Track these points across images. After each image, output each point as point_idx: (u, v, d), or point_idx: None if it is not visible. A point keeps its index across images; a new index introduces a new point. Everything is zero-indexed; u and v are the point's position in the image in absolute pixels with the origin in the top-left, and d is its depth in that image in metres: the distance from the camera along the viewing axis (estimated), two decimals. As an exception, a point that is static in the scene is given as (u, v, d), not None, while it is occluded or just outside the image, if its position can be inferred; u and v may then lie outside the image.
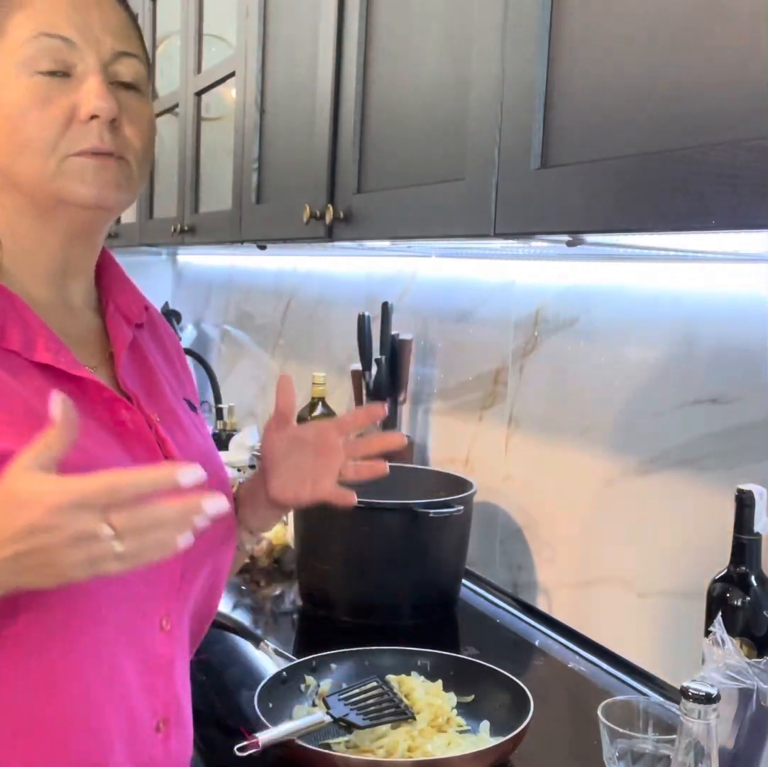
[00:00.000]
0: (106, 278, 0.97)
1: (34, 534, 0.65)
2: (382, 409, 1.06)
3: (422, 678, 1.22)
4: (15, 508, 0.65)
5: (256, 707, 1.08)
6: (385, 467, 1.05)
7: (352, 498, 1.02)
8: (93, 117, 0.83)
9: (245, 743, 0.99)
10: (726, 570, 1.06)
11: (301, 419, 2.13)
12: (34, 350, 0.82)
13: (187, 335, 3.22)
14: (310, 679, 1.20)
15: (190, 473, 0.65)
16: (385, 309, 1.86)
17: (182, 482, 0.65)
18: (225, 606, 1.53)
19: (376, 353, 1.87)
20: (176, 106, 2.24)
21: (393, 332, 1.86)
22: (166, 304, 3.30)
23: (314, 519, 1.54)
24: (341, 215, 1.28)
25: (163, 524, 0.66)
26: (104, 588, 0.80)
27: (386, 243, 1.50)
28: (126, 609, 0.83)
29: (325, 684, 1.20)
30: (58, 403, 0.67)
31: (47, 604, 0.77)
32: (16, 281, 0.86)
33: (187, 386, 1.05)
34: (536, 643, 1.47)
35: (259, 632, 1.43)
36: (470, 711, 1.17)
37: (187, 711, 0.93)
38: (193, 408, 1.02)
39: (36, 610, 0.77)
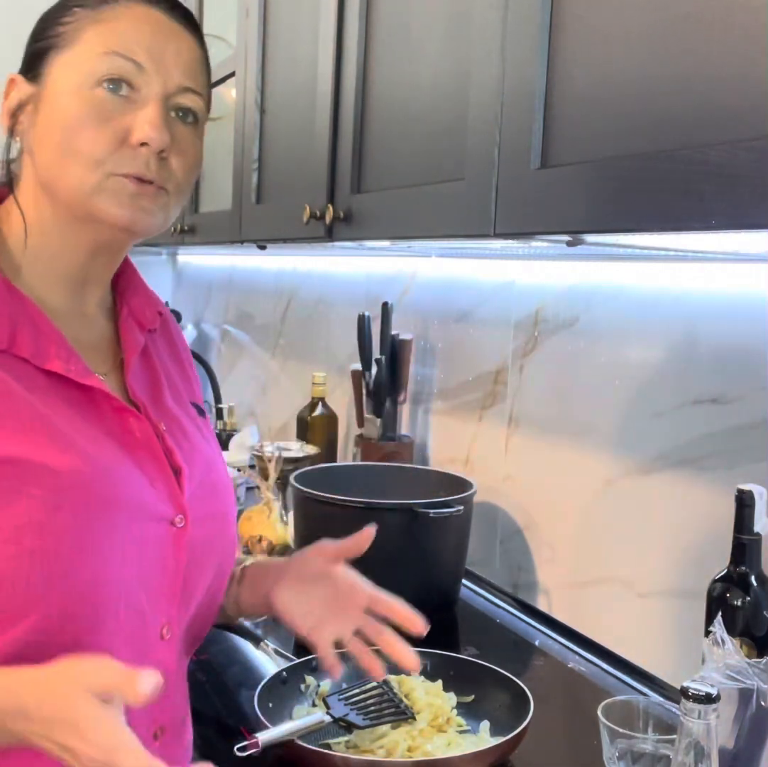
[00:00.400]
0: (123, 282, 0.97)
1: (67, 753, 0.69)
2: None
3: (422, 678, 1.22)
4: (68, 732, 0.69)
5: (256, 707, 1.08)
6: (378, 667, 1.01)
7: (338, 671, 1.01)
8: (143, 144, 0.84)
9: (245, 743, 0.99)
10: (726, 570, 1.06)
11: (300, 419, 2.13)
12: (44, 357, 0.82)
13: (187, 335, 3.22)
14: (310, 679, 1.20)
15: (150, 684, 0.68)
16: (385, 309, 1.86)
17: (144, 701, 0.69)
18: (225, 606, 1.53)
19: (376, 353, 1.87)
20: (176, 106, 2.23)
21: (393, 332, 1.86)
22: (166, 304, 3.30)
23: (314, 519, 1.54)
24: (341, 215, 1.28)
25: None
26: (106, 599, 0.81)
27: (386, 243, 1.50)
28: (127, 619, 0.83)
29: (325, 684, 1.20)
30: (151, 681, 0.69)
31: (49, 614, 0.77)
32: (32, 286, 0.86)
33: (196, 391, 1.06)
34: (536, 643, 1.46)
35: (259, 632, 1.43)
36: (470, 711, 1.17)
37: (185, 716, 0.93)
38: (201, 412, 1.02)
39: (37, 618, 0.77)
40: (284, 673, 1.18)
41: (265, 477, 1.81)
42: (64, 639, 0.78)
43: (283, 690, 1.16)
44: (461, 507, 1.47)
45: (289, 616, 1.00)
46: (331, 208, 1.30)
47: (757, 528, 1.03)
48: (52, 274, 0.88)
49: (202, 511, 0.90)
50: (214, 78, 1.97)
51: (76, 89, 0.84)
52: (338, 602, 1.01)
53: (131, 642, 0.83)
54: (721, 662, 0.90)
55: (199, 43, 0.90)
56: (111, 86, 0.83)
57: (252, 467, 2.01)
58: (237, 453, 2.20)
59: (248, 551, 1.73)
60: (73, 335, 0.86)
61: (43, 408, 0.79)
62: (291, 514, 1.65)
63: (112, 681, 0.70)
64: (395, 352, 1.86)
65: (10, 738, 0.73)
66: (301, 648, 1.39)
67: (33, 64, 0.87)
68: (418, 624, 0.98)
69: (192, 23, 0.90)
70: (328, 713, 1.09)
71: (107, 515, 0.80)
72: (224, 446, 2.27)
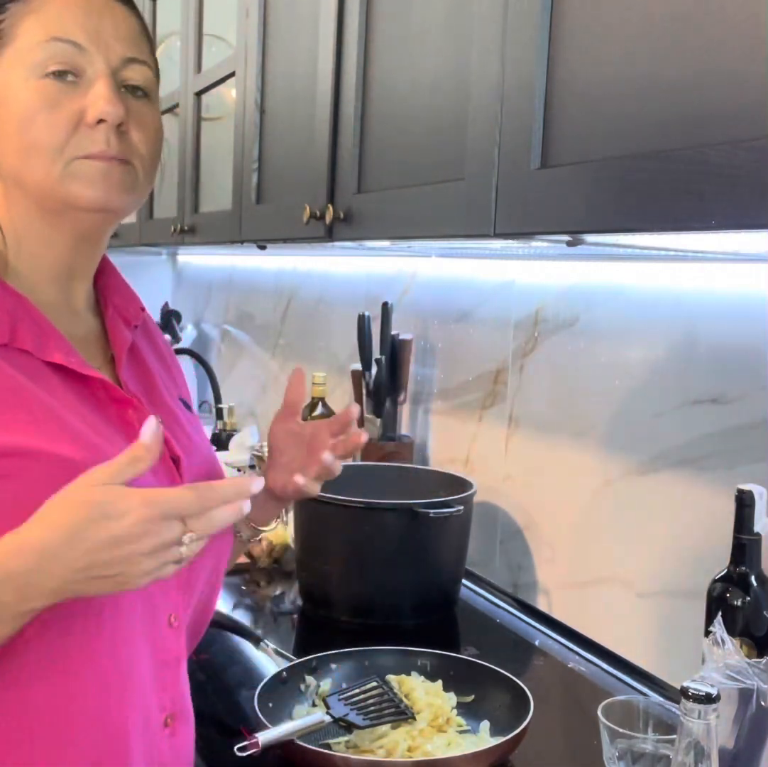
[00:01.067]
0: (102, 280, 0.98)
1: (118, 545, 0.68)
2: (354, 408, 1.06)
3: (422, 678, 1.22)
4: (101, 519, 0.68)
5: (256, 707, 1.08)
6: (360, 437, 1.05)
7: (315, 491, 1.05)
8: (100, 121, 0.84)
9: (245, 743, 0.99)
10: (726, 570, 1.06)
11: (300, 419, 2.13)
12: (46, 350, 0.83)
13: (187, 335, 3.22)
14: (310, 679, 1.20)
15: (259, 483, 0.73)
16: (385, 309, 1.86)
17: (254, 492, 0.72)
18: (225, 606, 1.53)
19: (376, 353, 1.87)
20: (176, 106, 2.24)
21: (393, 332, 1.86)
22: (166, 304, 3.30)
23: (314, 519, 1.54)
24: (341, 215, 1.28)
25: (222, 524, 0.71)
26: None
27: (386, 243, 1.50)
28: (141, 606, 0.84)
29: (325, 684, 1.20)
30: (152, 425, 0.72)
31: (65, 603, 0.77)
32: (23, 282, 0.87)
33: (181, 386, 1.06)
34: (536, 643, 1.46)
35: (259, 632, 1.43)
36: (470, 711, 1.17)
37: (190, 707, 0.94)
38: (188, 408, 1.03)
39: (58, 606, 0.77)
40: (284, 673, 1.18)
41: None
42: (87, 624, 0.79)
43: (283, 690, 1.16)
44: (461, 507, 1.47)
45: (279, 486, 1.04)
46: (331, 208, 1.30)
47: (757, 528, 1.03)
48: (38, 270, 0.88)
49: None
50: (214, 78, 1.99)
51: (23, 83, 0.83)
52: (310, 448, 1.04)
53: (144, 629, 0.85)
54: (721, 662, 0.90)
55: (134, 12, 0.90)
56: (57, 74, 0.83)
57: (252, 467, 2.00)
58: (237, 453, 2.19)
59: (248, 551, 1.73)
60: (65, 330, 0.87)
61: (50, 399, 0.80)
62: (291, 514, 1.65)
63: (115, 466, 0.70)
64: (395, 352, 1.86)
65: (47, 596, 0.71)
66: (301, 647, 1.39)
67: None
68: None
69: None
70: (328, 713, 1.09)
71: None
72: (224, 446, 2.26)
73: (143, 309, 1.01)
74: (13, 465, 0.75)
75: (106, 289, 0.97)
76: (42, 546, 0.69)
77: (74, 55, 0.84)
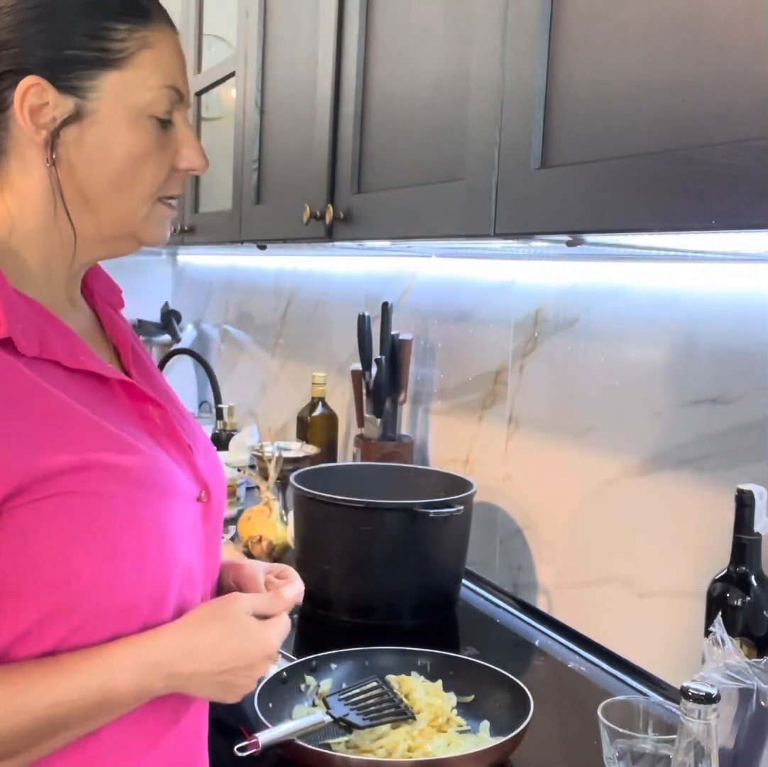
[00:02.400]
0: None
1: (252, 667, 0.86)
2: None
3: (422, 678, 1.22)
4: (247, 641, 0.85)
5: (256, 707, 1.08)
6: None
7: None
8: (190, 170, 0.89)
9: (245, 743, 0.99)
10: (726, 570, 1.06)
11: (300, 419, 2.13)
12: (74, 358, 0.82)
13: (187, 335, 3.22)
14: (310, 679, 1.20)
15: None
16: (385, 309, 1.86)
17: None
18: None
19: (376, 353, 1.87)
20: (176, 106, 2.23)
21: (393, 332, 1.86)
22: (166, 304, 3.30)
23: (314, 519, 1.54)
24: (341, 215, 1.28)
25: None
26: (180, 581, 0.85)
27: (386, 243, 1.50)
28: (188, 597, 0.87)
29: (325, 684, 1.20)
30: (298, 588, 0.94)
31: (138, 604, 0.81)
32: (26, 284, 0.84)
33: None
34: (536, 643, 1.46)
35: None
36: (470, 711, 1.17)
37: (203, 709, 0.94)
38: None
39: (126, 609, 0.81)
40: (284, 673, 1.18)
41: (265, 477, 1.81)
42: (145, 621, 0.82)
43: (283, 690, 1.16)
44: (461, 507, 1.47)
45: None
46: (331, 208, 1.30)
47: (757, 528, 1.03)
48: (49, 272, 0.87)
49: (214, 484, 0.93)
50: (214, 78, 1.99)
51: (134, 120, 0.84)
52: None
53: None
54: (721, 662, 0.90)
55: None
56: (163, 118, 0.86)
57: (252, 467, 2.01)
58: (237, 453, 2.19)
59: (248, 552, 1.73)
60: (74, 328, 0.86)
61: (84, 409, 0.80)
62: (291, 514, 1.65)
63: (262, 603, 0.89)
64: (395, 352, 1.86)
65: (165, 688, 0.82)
66: (301, 648, 1.39)
67: (66, 72, 0.81)
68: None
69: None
70: (328, 713, 1.09)
71: (169, 504, 0.83)
72: (224, 446, 2.27)
73: (121, 291, 1.02)
74: (76, 481, 0.77)
75: (87, 277, 0.96)
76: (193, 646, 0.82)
77: (176, 104, 0.87)
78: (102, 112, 0.83)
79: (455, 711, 1.16)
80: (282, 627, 0.89)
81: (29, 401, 0.77)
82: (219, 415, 2.45)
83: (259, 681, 1.13)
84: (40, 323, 0.81)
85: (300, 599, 0.94)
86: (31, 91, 0.81)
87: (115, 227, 0.87)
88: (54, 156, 0.83)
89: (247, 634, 0.85)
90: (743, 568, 1.05)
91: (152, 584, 0.81)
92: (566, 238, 0.97)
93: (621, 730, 0.96)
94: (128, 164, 0.84)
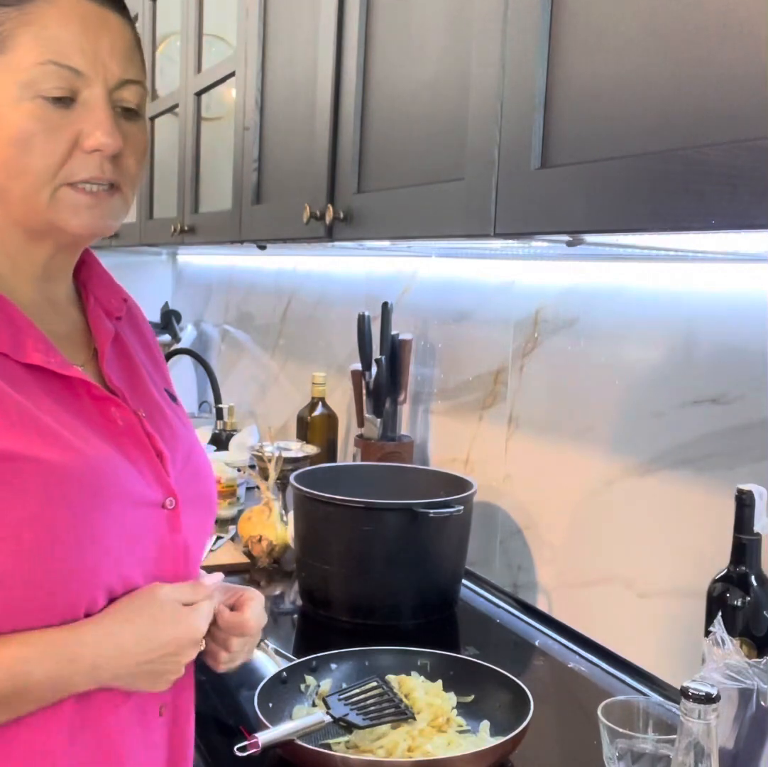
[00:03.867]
0: (85, 272, 0.97)
1: (180, 654, 0.86)
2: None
3: (422, 678, 1.22)
4: (174, 627, 0.85)
5: (256, 707, 1.08)
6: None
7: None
8: (96, 150, 0.83)
9: (245, 743, 0.99)
10: (726, 570, 1.06)
11: (300, 419, 2.13)
12: (23, 351, 0.82)
13: (187, 335, 3.22)
14: (310, 679, 1.20)
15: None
16: (385, 309, 1.86)
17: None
18: (225, 606, 1.53)
19: (376, 353, 1.87)
20: (176, 106, 2.24)
21: (393, 332, 1.86)
22: (166, 304, 3.30)
23: (314, 519, 1.54)
24: (341, 215, 1.28)
25: None
26: (108, 587, 0.83)
27: (386, 243, 1.50)
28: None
29: (325, 684, 1.20)
30: (217, 578, 0.98)
31: (52, 606, 0.79)
32: (3, 284, 0.86)
33: (166, 376, 1.06)
34: (536, 643, 1.46)
35: (259, 632, 1.43)
36: (470, 711, 1.17)
37: (190, 704, 0.94)
38: (173, 399, 1.03)
39: (39, 613, 0.78)
40: (284, 673, 1.18)
41: (265, 477, 1.81)
42: (62, 621, 0.79)
43: (283, 690, 1.16)
44: (461, 507, 1.47)
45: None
46: (331, 208, 1.30)
47: (757, 528, 1.03)
48: (16, 272, 0.87)
49: (190, 492, 0.92)
50: (214, 78, 1.99)
51: (16, 101, 0.81)
52: None
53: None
54: (721, 662, 0.90)
55: (128, 22, 0.87)
56: (54, 96, 0.81)
57: (252, 467, 2.00)
58: (237, 453, 2.19)
59: (248, 552, 1.73)
60: (47, 327, 0.86)
61: (27, 403, 0.79)
62: (291, 514, 1.65)
63: (184, 591, 0.88)
64: (395, 352, 1.86)
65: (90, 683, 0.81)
66: (301, 647, 1.40)
67: None
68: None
69: (118, 2, 0.86)
70: (328, 713, 1.09)
71: (101, 505, 0.81)
72: (224, 446, 2.26)
73: (126, 300, 1.01)
74: None
75: (89, 281, 0.96)
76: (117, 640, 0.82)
77: (71, 80, 0.81)
78: None
79: (455, 711, 1.16)
80: (206, 611, 0.89)
81: None
82: (219, 415, 2.45)
83: (259, 682, 1.14)
84: None
85: (220, 589, 0.97)
86: None
87: (27, 217, 0.84)
88: None
89: (173, 620, 0.85)
90: (743, 568, 1.05)
91: (65, 585, 0.79)
92: (566, 238, 0.98)
93: (621, 730, 0.96)
94: (14, 147, 0.81)
